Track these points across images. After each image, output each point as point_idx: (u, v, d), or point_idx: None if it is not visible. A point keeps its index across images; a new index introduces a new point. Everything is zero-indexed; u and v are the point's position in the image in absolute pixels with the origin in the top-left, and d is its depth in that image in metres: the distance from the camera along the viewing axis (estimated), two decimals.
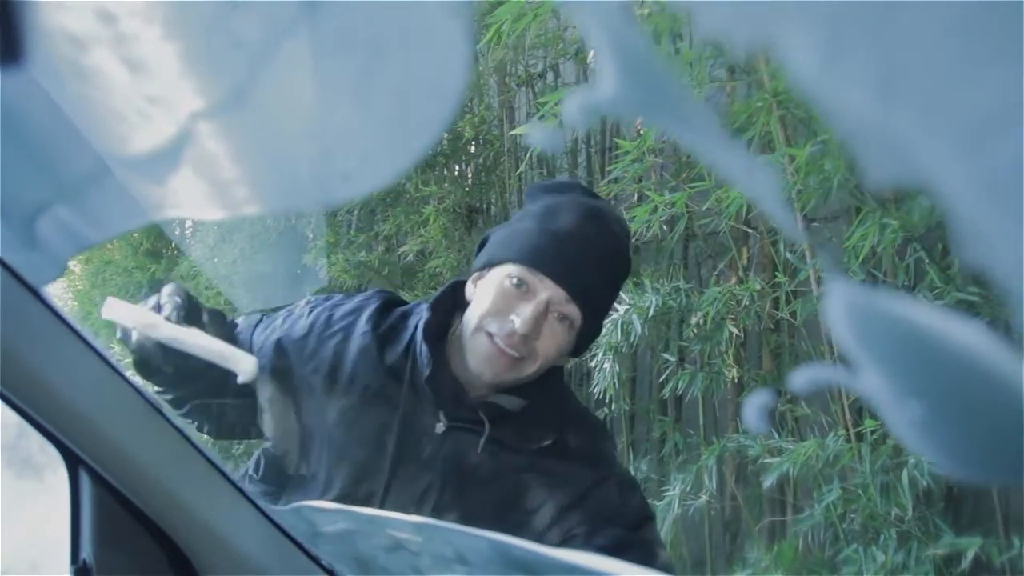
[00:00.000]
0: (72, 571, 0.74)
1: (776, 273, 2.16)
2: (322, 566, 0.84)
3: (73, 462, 0.72)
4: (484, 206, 3.60)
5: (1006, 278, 0.18)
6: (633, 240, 2.49)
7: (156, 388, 1.11)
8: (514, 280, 1.06)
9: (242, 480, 1.00)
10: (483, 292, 1.09)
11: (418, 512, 1.04)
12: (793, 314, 2.15)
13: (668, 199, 2.14)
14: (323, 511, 0.77)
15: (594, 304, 1.10)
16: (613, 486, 1.12)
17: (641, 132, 2.27)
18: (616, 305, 2.24)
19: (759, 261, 2.42)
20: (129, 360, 1.07)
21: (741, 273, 2.39)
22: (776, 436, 2.06)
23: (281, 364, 1.13)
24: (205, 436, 1.19)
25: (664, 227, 2.29)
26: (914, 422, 0.24)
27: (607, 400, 2.49)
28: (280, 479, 1.12)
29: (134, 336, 1.01)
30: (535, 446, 1.11)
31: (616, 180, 2.40)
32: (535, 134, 0.40)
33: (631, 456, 2.79)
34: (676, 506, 2.23)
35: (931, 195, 0.17)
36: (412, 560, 0.70)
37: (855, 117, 0.17)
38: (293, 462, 1.11)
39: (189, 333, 1.00)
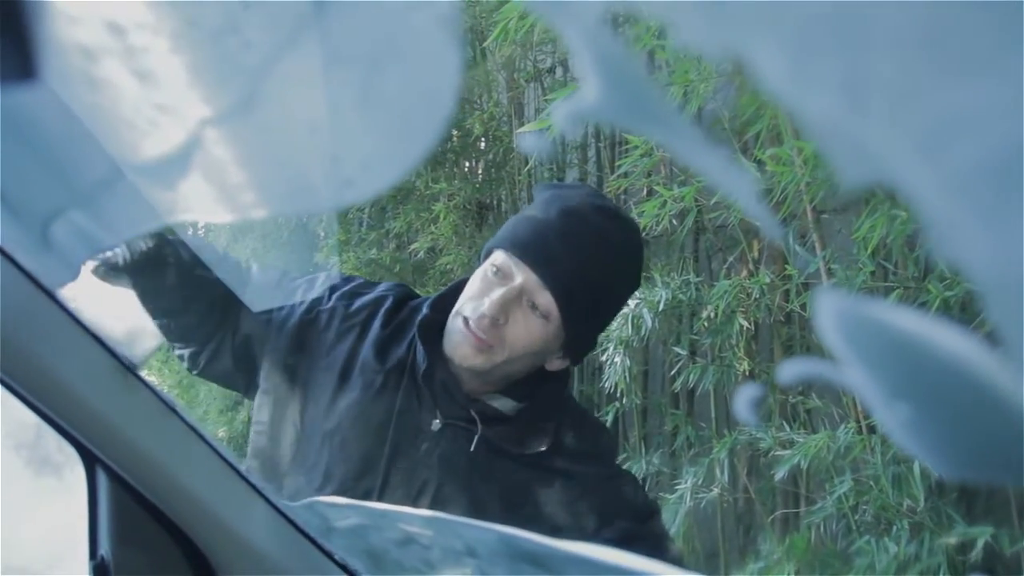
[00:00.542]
0: (91, 567, 0.75)
1: (786, 265, 2.16)
2: (335, 561, 0.85)
3: (90, 461, 0.73)
4: (494, 202, 3.61)
5: (978, 276, 0.19)
6: (643, 234, 2.51)
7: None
8: (494, 269, 1.05)
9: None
10: (471, 281, 1.09)
11: (415, 508, 1.04)
12: (803, 306, 2.15)
13: (677, 193, 2.14)
14: (336, 506, 0.78)
15: (574, 300, 1.04)
16: (616, 484, 1.11)
17: None
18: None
19: (769, 254, 2.42)
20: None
21: (751, 266, 2.39)
22: (788, 428, 2.07)
23: (298, 350, 1.12)
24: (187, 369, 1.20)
25: (674, 221, 2.30)
26: (903, 423, 0.25)
27: (618, 394, 2.50)
28: (271, 467, 1.11)
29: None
30: (528, 452, 1.09)
31: (626, 175, 2.40)
32: (526, 139, 0.41)
33: (643, 450, 2.79)
34: (688, 499, 2.24)
35: (902, 195, 0.18)
36: (423, 553, 0.72)
37: (825, 121, 0.18)
38: (287, 449, 1.10)
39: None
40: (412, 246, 3.44)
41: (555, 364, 1.12)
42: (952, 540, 1.78)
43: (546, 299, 1.03)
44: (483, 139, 3.41)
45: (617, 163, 2.56)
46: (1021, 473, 0.27)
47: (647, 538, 1.07)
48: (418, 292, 1.25)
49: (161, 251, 1.04)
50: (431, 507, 1.05)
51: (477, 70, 3.33)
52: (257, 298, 1.16)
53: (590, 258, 1.04)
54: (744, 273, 2.38)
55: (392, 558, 0.78)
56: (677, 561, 1.19)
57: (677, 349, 2.56)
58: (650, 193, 2.44)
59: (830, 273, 2.00)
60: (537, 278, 1.02)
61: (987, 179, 0.18)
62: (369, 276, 3.62)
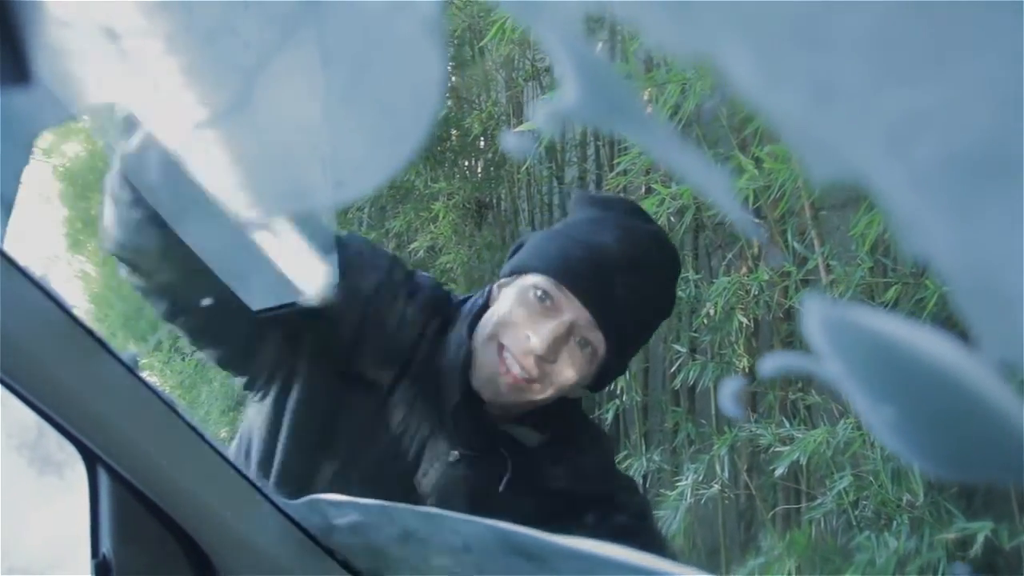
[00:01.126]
0: (93, 565, 0.76)
1: (784, 262, 2.17)
2: (337, 559, 0.86)
3: (90, 460, 0.74)
4: (493, 201, 3.62)
5: (945, 272, 0.19)
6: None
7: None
8: (539, 293, 0.94)
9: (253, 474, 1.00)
10: (504, 300, 0.98)
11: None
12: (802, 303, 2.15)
13: (675, 191, 2.15)
14: (335, 504, 0.79)
15: (623, 338, 0.98)
16: (617, 492, 1.06)
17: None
18: None
19: (769, 250, 2.43)
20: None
21: (750, 263, 2.40)
22: (788, 425, 2.07)
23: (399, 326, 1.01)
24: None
25: (672, 219, 2.30)
26: (888, 425, 0.26)
27: (619, 392, 2.51)
28: (297, 474, 1.01)
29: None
30: (546, 487, 1.01)
31: (624, 173, 2.41)
32: (509, 140, 0.41)
33: (644, 447, 2.80)
34: (689, 496, 2.25)
35: (870, 193, 0.18)
36: (422, 549, 0.72)
37: (794, 119, 0.18)
38: (314, 458, 1.01)
39: None
40: (412, 245, 3.44)
41: (578, 392, 1.04)
42: (952, 535, 1.79)
43: (597, 337, 0.94)
44: (482, 138, 3.41)
45: (615, 161, 2.56)
46: (1007, 471, 0.27)
47: (643, 533, 1.06)
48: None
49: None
50: None
51: (475, 69, 3.34)
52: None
53: (645, 297, 0.97)
54: (743, 270, 2.39)
55: (392, 555, 0.79)
56: (672, 556, 1.17)
57: (677, 346, 2.57)
58: (648, 191, 2.44)
59: (828, 269, 2.00)
60: (590, 316, 0.93)
61: (952, 176, 0.18)
62: None
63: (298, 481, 0.99)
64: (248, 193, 0.38)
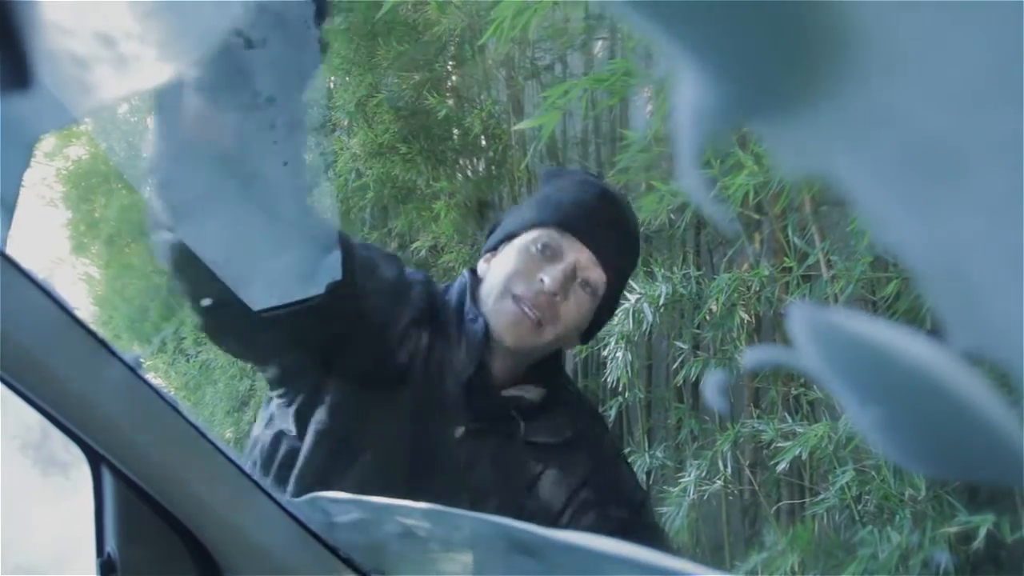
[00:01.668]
0: (98, 564, 0.77)
1: (785, 258, 2.17)
2: (340, 556, 0.87)
3: (95, 460, 0.75)
4: (495, 200, 3.62)
5: (911, 263, 0.20)
6: (642, 229, 2.52)
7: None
8: (539, 245, 1.04)
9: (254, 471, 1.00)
10: (503, 261, 1.06)
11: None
12: (803, 298, 2.16)
13: (675, 187, 2.15)
14: (336, 501, 0.80)
15: (616, 275, 1.08)
16: (615, 465, 1.14)
17: (651, 114, 2.28)
18: (627, 294, 2.25)
19: (769, 246, 2.43)
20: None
21: (752, 259, 2.40)
22: (790, 420, 2.07)
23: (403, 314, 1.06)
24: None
25: (672, 216, 2.31)
26: (875, 425, 0.27)
27: (621, 389, 2.51)
28: (321, 470, 1.02)
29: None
30: (558, 440, 1.08)
31: (625, 170, 2.41)
32: None
33: (647, 444, 2.81)
34: (693, 492, 2.25)
35: (838, 184, 0.19)
36: (422, 545, 0.73)
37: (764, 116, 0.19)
38: (340, 449, 1.03)
39: None
40: (414, 244, 3.45)
41: (569, 344, 1.13)
42: (954, 529, 1.79)
43: (598, 275, 1.05)
44: (483, 137, 3.42)
45: (616, 158, 2.57)
46: (994, 470, 0.28)
47: (641, 527, 1.08)
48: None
49: None
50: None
51: (475, 68, 3.34)
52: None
53: (627, 239, 1.11)
54: (745, 266, 2.39)
55: (393, 551, 0.79)
56: (669, 548, 1.21)
57: (679, 343, 2.57)
58: (649, 188, 2.44)
59: (829, 265, 2.01)
60: (592, 255, 1.04)
61: (917, 170, 0.19)
62: None
63: (323, 476, 1.01)
64: None
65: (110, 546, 0.77)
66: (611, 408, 2.71)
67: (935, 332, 0.21)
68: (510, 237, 1.08)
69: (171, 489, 0.76)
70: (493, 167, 3.53)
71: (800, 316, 0.25)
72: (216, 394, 6.24)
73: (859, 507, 2.00)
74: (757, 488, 2.50)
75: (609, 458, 1.15)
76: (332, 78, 3.75)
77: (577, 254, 1.04)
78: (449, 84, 3.56)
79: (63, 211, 10.30)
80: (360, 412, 1.03)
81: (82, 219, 9.91)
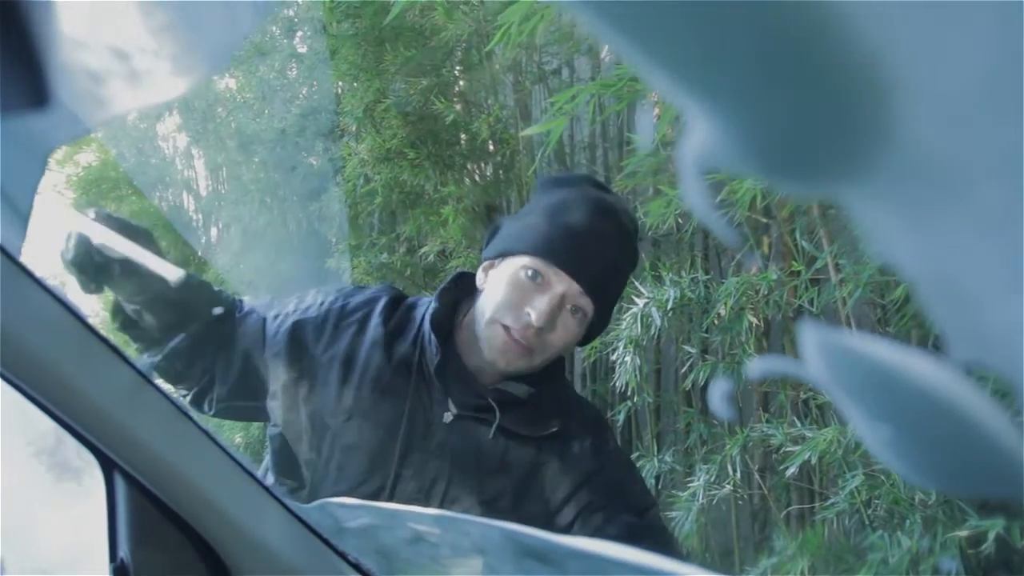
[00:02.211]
0: (111, 569, 0.78)
1: (794, 261, 2.17)
2: (349, 562, 0.87)
3: (107, 466, 0.75)
4: (502, 204, 3.63)
5: (910, 276, 0.20)
6: (650, 233, 2.52)
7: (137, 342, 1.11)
8: (529, 272, 1.07)
9: (264, 477, 1.03)
10: (496, 282, 1.11)
11: (427, 502, 1.07)
12: (812, 302, 2.16)
13: (682, 192, 2.15)
14: (346, 507, 0.80)
15: (605, 297, 1.12)
16: (616, 469, 1.15)
17: (658, 118, 2.28)
18: (635, 299, 2.25)
19: (778, 250, 2.43)
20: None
21: (760, 263, 2.39)
22: (799, 424, 2.07)
23: (297, 348, 1.13)
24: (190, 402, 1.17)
25: (680, 220, 2.30)
26: (884, 443, 0.27)
27: (630, 393, 2.51)
28: (290, 468, 1.13)
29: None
30: (541, 433, 1.12)
31: (632, 174, 2.41)
32: None
33: (656, 448, 2.80)
34: (702, 496, 2.25)
35: (839, 202, 0.19)
36: (432, 551, 0.73)
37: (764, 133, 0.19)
38: (302, 449, 1.12)
39: (119, 240, 0.97)
40: (422, 249, 3.45)
41: (568, 349, 1.17)
42: (964, 533, 1.78)
43: (586, 302, 1.08)
44: (490, 142, 3.42)
45: (623, 163, 2.57)
46: (1000, 487, 0.28)
47: (648, 532, 1.09)
48: (423, 294, 1.26)
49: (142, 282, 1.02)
50: (445, 500, 1.08)
51: (482, 73, 3.35)
52: (251, 318, 1.18)
53: (617, 257, 1.12)
54: (753, 270, 2.39)
55: (403, 557, 0.80)
56: (678, 553, 1.22)
57: (688, 347, 2.57)
58: (656, 192, 2.44)
59: (838, 268, 2.00)
60: (579, 287, 1.07)
61: (916, 184, 0.19)
62: (380, 280, 3.64)
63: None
64: None
65: (123, 551, 0.78)
66: (620, 412, 2.70)
67: (943, 338, 0.21)
68: (504, 255, 1.12)
69: (182, 494, 0.76)
70: (501, 172, 3.53)
71: (811, 337, 0.25)
72: None
73: (869, 511, 1.99)
74: (766, 492, 2.50)
75: (611, 457, 1.16)
76: (340, 84, 3.76)
77: (565, 286, 1.07)
78: (457, 89, 3.57)
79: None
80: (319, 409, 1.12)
81: None
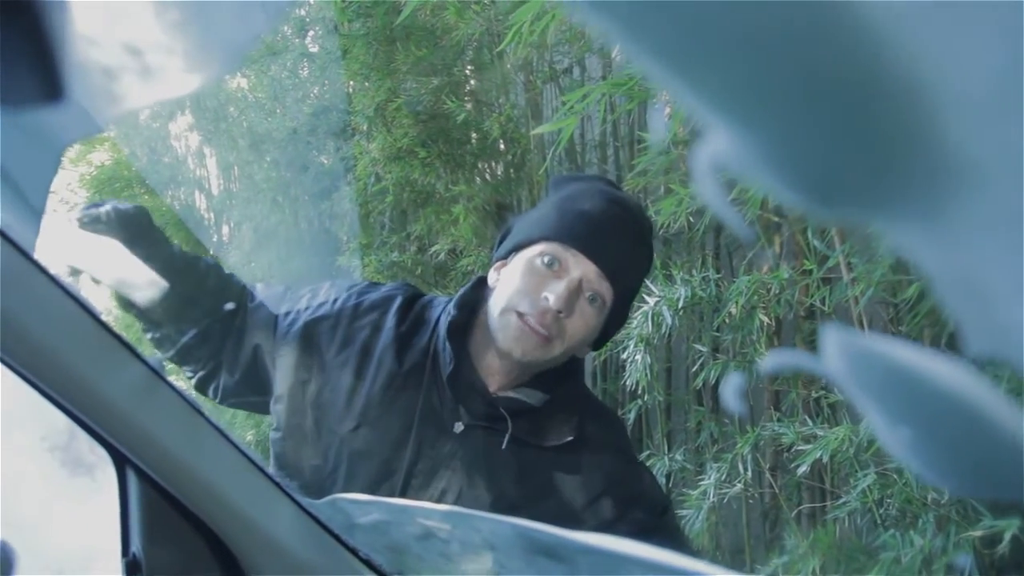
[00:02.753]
0: (123, 564, 0.78)
1: (805, 260, 2.16)
2: (360, 558, 0.87)
3: (119, 461, 0.76)
4: (513, 203, 3.62)
5: (926, 270, 0.20)
6: (661, 232, 2.51)
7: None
8: (546, 259, 1.05)
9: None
10: (510, 274, 1.08)
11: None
12: (824, 301, 2.15)
13: (694, 191, 2.14)
14: (357, 502, 0.80)
15: (624, 286, 1.08)
16: (633, 478, 1.12)
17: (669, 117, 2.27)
18: (646, 297, 2.25)
19: (789, 248, 2.42)
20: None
21: (772, 262, 2.38)
22: (811, 423, 2.06)
23: (307, 351, 1.11)
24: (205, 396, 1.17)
25: (691, 219, 2.30)
26: (905, 445, 0.27)
27: (640, 392, 2.51)
28: (292, 474, 1.10)
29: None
30: (555, 443, 1.09)
31: (643, 173, 2.41)
32: None
33: (667, 447, 2.79)
34: (712, 495, 2.24)
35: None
36: (442, 547, 0.73)
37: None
38: (308, 455, 1.09)
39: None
40: (433, 248, 3.46)
41: (582, 351, 1.13)
42: (978, 533, 1.77)
43: (605, 288, 1.05)
44: (501, 141, 3.42)
45: (634, 161, 2.57)
46: (1017, 487, 0.28)
47: (663, 531, 1.08)
48: (435, 292, 1.25)
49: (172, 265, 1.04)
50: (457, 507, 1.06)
51: (494, 72, 3.35)
52: (262, 312, 1.17)
53: (635, 248, 1.09)
54: (765, 269, 2.38)
55: (413, 553, 0.80)
56: (691, 552, 1.20)
57: (699, 346, 2.56)
58: (668, 191, 2.44)
59: (850, 267, 1.99)
60: (597, 269, 1.04)
61: (934, 181, 0.19)
62: (391, 279, 3.65)
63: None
64: None
65: (135, 545, 0.78)
66: (630, 411, 2.70)
67: (956, 337, 0.21)
68: (518, 248, 1.09)
69: (194, 490, 0.77)
70: (512, 171, 3.53)
71: (833, 339, 0.25)
72: None
73: (881, 511, 1.98)
74: (777, 491, 2.49)
75: (626, 465, 1.14)
76: (351, 83, 3.77)
77: (583, 269, 1.04)
78: (468, 88, 3.57)
79: None
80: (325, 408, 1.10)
81: None
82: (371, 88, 3.46)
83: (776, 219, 2.37)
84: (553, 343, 1.05)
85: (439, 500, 1.06)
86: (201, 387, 1.16)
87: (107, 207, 1.00)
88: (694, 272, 2.35)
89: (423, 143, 3.33)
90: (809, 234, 2.06)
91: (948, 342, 1.88)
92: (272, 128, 4.43)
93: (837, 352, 0.25)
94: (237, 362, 1.13)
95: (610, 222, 1.06)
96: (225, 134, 5.00)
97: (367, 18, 3.38)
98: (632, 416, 2.70)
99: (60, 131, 0.46)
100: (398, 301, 1.15)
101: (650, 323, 2.26)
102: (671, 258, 2.70)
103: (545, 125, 2.34)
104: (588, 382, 3.35)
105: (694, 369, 2.56)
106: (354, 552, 0.86)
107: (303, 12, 4.22)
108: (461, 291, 1.14)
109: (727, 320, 2.34)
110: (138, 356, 0.72)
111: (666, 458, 2.60)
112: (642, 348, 2.32)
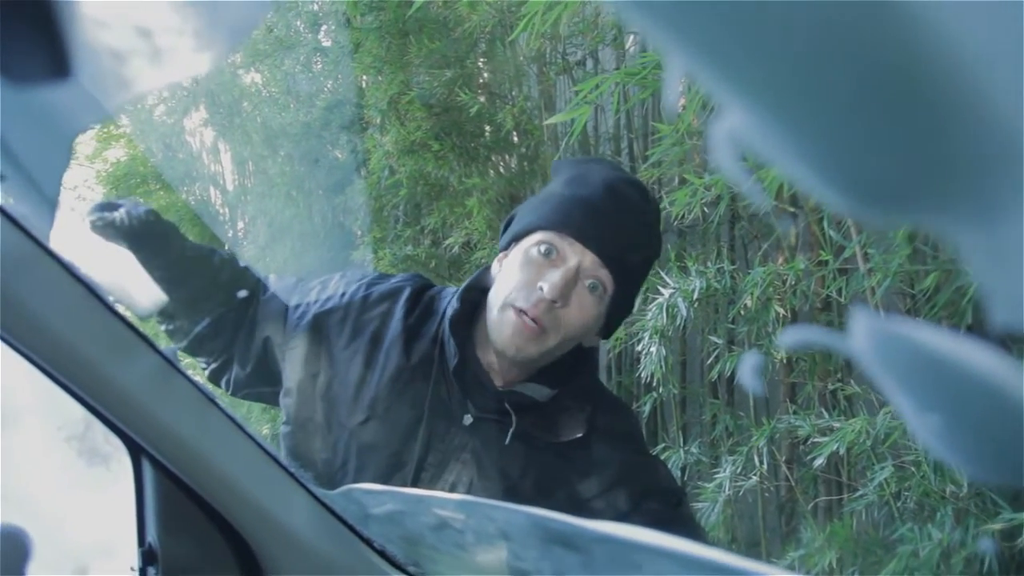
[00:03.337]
0: (139, 553, 0.78)
1: (821, 251, 2.14)
2: (374, 548, 0.87)
3: (135, 451, 0.76)
4: (527, 195, 3.62)
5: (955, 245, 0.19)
6: (675, 224, 2.50)
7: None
8: (542, 248, 1.02)
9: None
10: (508, 267, 1.06)
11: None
12: (840, 292, 2.13)
13: (708, 181, 2.13)
14: (372, 493, 0.80)
15: (626, 272, 1.06)
16: (650, 467, 1.12)
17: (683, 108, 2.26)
18: (661, 289, 2.24)
19: (805, 239, 2.40)
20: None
21: (787, 253, 2.37)
22: (827, 415, 2.05)
23: (316, 344, 1.10)
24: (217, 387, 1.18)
25: (706, 209, 2.28)
26: (934, 432, 0.26)
27: (655, 384, 2.50)
28: (301, 466, 1.09)
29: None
30: (564, 439, 1.07)
31: (658, 164, 2.39)
32: None
33: (682, 440, 2.79)
34: (728, 488, 2.23)
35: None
36: (457, 537, 0.73)
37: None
38: (317, 448, 1.09)
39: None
40: (447, 241, 3.46)
41: (591, 340, 1.11)
42: (997, 526, 1.75)
43: (604, 275, 1.03)
44: (514, 133, 3.41)
45: (648, 152, 2.55)
46: None
47: (678, 522, 1.07)
48: (437, 283, 1.23)
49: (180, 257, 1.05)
50: None
51: (506, 64, 3.34)
52: (273, 304, 1.17)
53: (636, 233, 1.06)
54: (780, 260, 2.36)
55: (428, 543, 0.80)
56: (707, 543, 1.19)
57: (714, 338, 2.55)
58: (682, 182, 2.42)
59: (866, 258, 1.97)
60: (595, 256, 1.02)
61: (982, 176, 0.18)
62: (405, 272, 3.64)
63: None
64: None
65: (151, 535, 0.79)
66: (645, 404, 2.69)
67: (975, 327, 0.21)
68: (517, 238, 1.07)
69: (209, 480, 0.77)
70: (525, 163, 3.52)
71: (861, 324, 0.25)
72: None
73: (898, 504, 1.96)
74: (794, 484, 2.47)
75: (640, 457, 1.13)
76: (364, 77, 3.77)
77: (579, 257, 1.02)
78: (481, 80, 3.56)
79: None
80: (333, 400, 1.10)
81: None
82: (384, 81, 3.46)
83: (792, 209, 2.35)
84: (548, 334, 1.03)
85: (451, 492, 1.05)
86: (214, 379, 1.17)
87: (117, 213, 1.01)
88: (709, 264, 2.34)
89: (436, 136, 3.33)
90: (825, 224, 2.05)
91: (967, 332, 1.87)
92: (286, 123, 4.44)
93: (863, 335, 0.24)
94: (248, 354, 1.13)
95: (608, 207, 1.03)
96: (239, 129, 5.02)
97: (379, 11, 3.38)
98: (647, 409, 2.69)
99: (69, 117, 0.46)
100: (407, 292, 1.14)
101: (665, 315, 2.25)
102: (686, 249, 2.68)
103: (558, 115, 2.33)
104: (603, 375, 3.35)
105: (709, 361, 2.55)
106: (368, 543, 0.86)
107: (316, 6, 4.23)
108: (465, 283, 1.13)
109: (742, 312, 2.32)
110: (153, 347, 0.72)
111: (681, 451, 2.59)
112: (657, 340, 2.30)
